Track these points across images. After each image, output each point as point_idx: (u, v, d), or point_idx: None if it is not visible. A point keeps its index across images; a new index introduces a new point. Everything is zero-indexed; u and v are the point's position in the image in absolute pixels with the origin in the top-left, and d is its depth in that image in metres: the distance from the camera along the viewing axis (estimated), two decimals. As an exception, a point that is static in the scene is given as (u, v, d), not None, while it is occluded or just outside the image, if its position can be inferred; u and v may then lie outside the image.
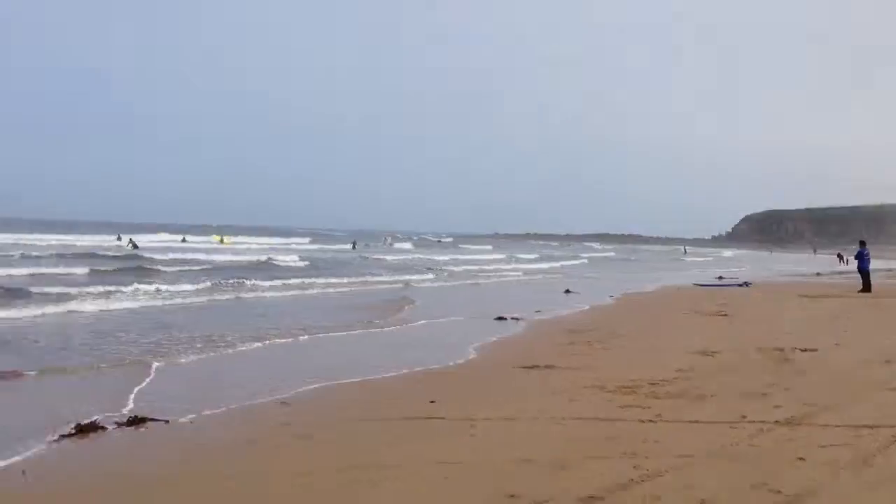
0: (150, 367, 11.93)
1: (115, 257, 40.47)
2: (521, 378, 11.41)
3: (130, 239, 57.81)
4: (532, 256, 71.72)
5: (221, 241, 72.39)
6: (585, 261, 71.97)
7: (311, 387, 10.77)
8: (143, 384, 10.70)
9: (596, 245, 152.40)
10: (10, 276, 26.93)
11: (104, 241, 59.49)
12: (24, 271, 28.92)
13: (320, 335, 16.11)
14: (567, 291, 29.73)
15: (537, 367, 12.16)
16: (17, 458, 7.16)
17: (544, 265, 57.86)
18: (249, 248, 63.33)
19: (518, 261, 62.28)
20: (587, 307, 23.70)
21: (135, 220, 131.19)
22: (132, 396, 9.88)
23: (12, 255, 37.65)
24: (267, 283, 28.13)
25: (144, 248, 51.45)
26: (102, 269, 31.95)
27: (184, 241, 69.15)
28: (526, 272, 47.43)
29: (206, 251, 52.22)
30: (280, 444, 7.80)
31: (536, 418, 8.51)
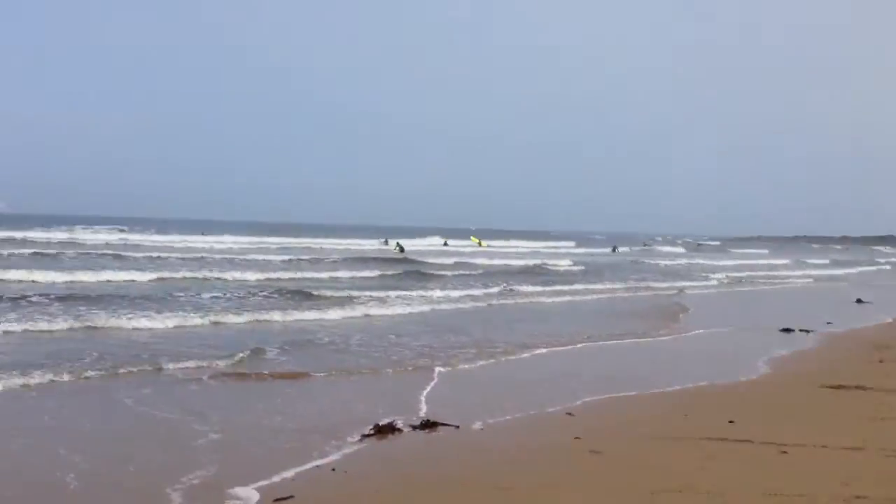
0: (433, 371, 12.21)
1: (395, 261, 42.29)
2: (829, 399, 10.30)
3: (398, 242, 59.98)
4: (823, 261, 65.84)
5: (479, 245, 73.68)
6: (887, 267, 64.64)
7: (595, 398, 10.48)
8: (429, 388, 10.94)
9: (884, 249, 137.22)
10: (302, 278, 29.04)
11: (372, 245, 62.46)
12: (315, 275, 30.92)
13: (597, 343, 15.77)
14: (858, 301, 26.98)
15: (844, 387, 10.95)
16: (334, 457, 7.51)
17: (838, 271, 52.63)
18: (516, 251, 64.18)
19: (805, 266, 57.50)
20: (890, 319, 21.28)
21: (390, 223, 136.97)
22: (423, 400, 10.13)
23: (303, 259, 40.57)
24: (541, 289, 28.28)
25: (411, 252, 53.46)
26: (389, 273, 33.35)
27: (445, 244, 71.08)
28: (817, 279, 43.77)
29: (471, 254, 53.62)
30: (572, 457, 7.56)
31: (861, 448, 7.55)
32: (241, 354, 12.70)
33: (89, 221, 78.10)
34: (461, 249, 64.01)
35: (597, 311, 22.50)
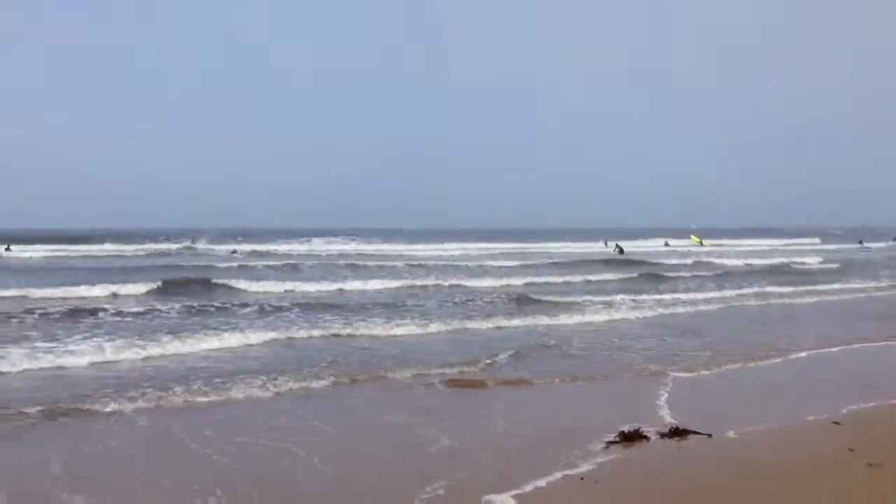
0: (668, 376, 11.54)
1: (630, 264, 40.60)
2: None
3: (616, 244, 58.73)
4: None
5: (701, 244, 70.38)
6: None
7: (861, 405, 9.47)
8: (667, 394, 10.32)
9: None
10: (532, 283, 28.94)
11: (593, 247, 61.30)
12: (546, 279, 30.54)
13: (857, 346, 14.38)
14: None
15: None
16: (584, 466, 7.16)
17: None
18: (751, 250, 60.73)
19: None
20: None
21: (609, 225, 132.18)
22: (664, 406, 9.57)
23: (530, 263, 40.13)
24: (791, 289, 26.35)
25: (637, 254, 51.77)
26: (625, 276, 32.28)
27: (666, 244, 68.60)
28: None
29: (705, 254, 51.40)
30: (845, 470, 6.74)
31: None
32: (474, 360, 12.67)
33: (324, 234, 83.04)
34: (689, 249, 61.59)
35: (853, 312, 20.60)
